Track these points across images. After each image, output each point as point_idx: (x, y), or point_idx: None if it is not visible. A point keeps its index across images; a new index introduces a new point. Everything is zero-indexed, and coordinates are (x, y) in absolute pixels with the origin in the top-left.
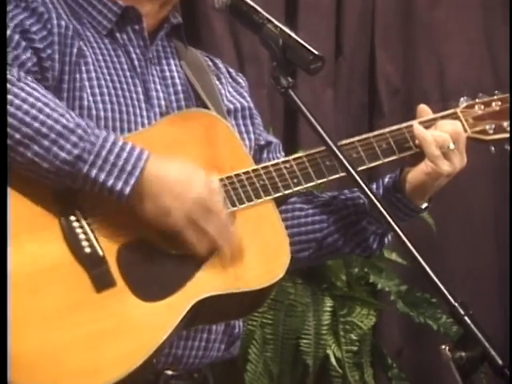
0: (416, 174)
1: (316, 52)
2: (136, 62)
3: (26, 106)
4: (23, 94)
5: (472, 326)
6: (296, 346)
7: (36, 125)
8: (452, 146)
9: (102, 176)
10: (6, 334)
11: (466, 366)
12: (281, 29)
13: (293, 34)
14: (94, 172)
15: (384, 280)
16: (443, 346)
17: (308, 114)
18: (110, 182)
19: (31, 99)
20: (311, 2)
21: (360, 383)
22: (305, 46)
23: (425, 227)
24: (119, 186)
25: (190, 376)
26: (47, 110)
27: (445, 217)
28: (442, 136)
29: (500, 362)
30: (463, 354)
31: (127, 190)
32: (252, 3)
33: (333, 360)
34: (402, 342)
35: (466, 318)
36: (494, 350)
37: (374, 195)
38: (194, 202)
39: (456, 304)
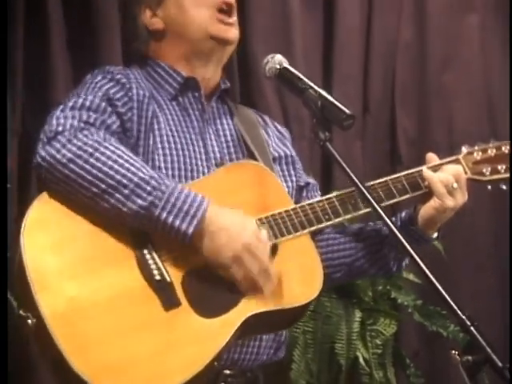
0: (426, 210)
1: (348, 111)
2: (195, 123)
3: (110, 162)
4: (108, 152)
5: (477, 334)
6: (331, 349)
7: (118, 177)
8: (455, 185)
9: (170, 218)
10: (6, 335)
11: (471, 368)
12: (319, 93)
13: (329, 97)
14: (163, 215)
15: (403, 296)
16: (453, 351)
17: (341, 161)
18: (177, 223)
19: (114, 156)
20: (343, 70)
21: (383, 379)
22: (339, 107)
23: (435, 252)
24: (184, 226)
25: (244, 374)
26: (127, 164)
27: (452, 242)
28: (447, 177)
29: (500, 364)
30: (470, 357)
31: (190, 230)
32: (296, 72)
33: (361, 360)
34: (418, 346)
35: (472, 328)
36: (495, 354)
37: (395, 227)
38: (243, 246)
39: (464, 317)
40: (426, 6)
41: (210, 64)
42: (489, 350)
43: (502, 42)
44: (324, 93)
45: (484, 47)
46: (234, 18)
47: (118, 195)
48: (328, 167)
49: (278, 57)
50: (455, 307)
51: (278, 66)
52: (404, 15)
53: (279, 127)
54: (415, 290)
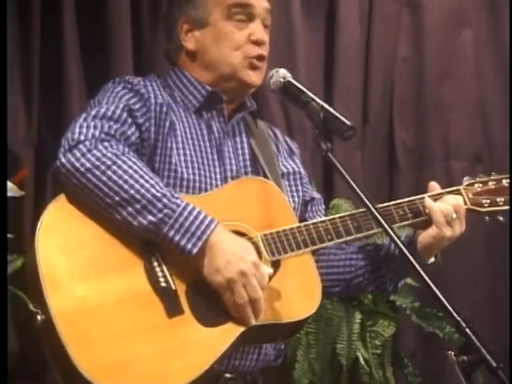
0: (425, 237)
1: (349, 123)
2: (216, 135)
3: (126, 176)
4: (125, 166)
5: (472, 336)
6: (333, 350)
7: (132, 191)
8: (454, 216)
9: (177, 237)
10: (6, 335)
11: (467, 367)
12: (321, 105)
13: (331, 109)
14: (171, 233)
15: (401, 298)
16: (449, 352)
17: (342, 170)
18: (183, 243)
19: (131, 171)
20: (344, 84)
21: (383, 379)
22: (340, 119)
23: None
24: (189, 246)
25: (244, 378)
26: (142, 180)
27: (449, 252)
28: (447, 207)
29: (494, 364)
30: (465, 357)
31: (194, 250)
32: (299, 85)
33: (361, 360)
34: (416, 347)
35: (468, 329)
36: (489, 354)
37: (401, 243)
38: (239, 273)
39: (459, 318)
40: (422, 22)
41: (230, 95)
42: (483, 350)
43: (495, 56)
44: (326, 105)
45: (478, 61)
46: (262, 65)
47: (130, 209)
48: (329, 176)
49: (283, 71)
50: (451, 309)
51: (283, 80)
52: (402, 31)
53: (289, 142)
54: (413, 293)
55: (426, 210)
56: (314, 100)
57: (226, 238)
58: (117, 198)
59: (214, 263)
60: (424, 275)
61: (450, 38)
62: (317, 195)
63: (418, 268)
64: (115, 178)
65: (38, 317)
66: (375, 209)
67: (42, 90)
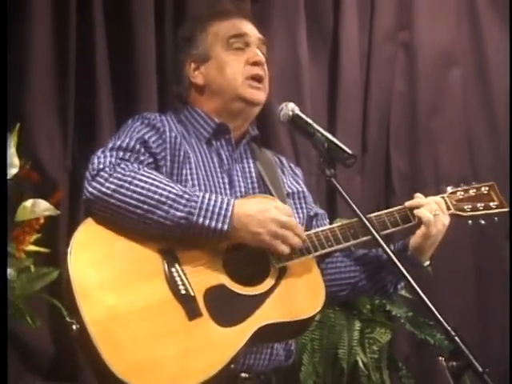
0: (414, 238)
1: (350, 152)
2: (225, 161)
3: (147, 186)
4: (144, 178)
5: (460, 343)
6: (335, 354)
7: (156, 197)
8: (437, 212)
9: (207, 221)
10: (6, 334)
11: (456, 372)
12: (326, 136)
13: (334, 139)
14: (201, 220)
15: (396, 308)
16: (440, 358)
17: (344, 194)
18: (213, 224)
19: (150, 180)
20: (345, 117)
21: (380, 380)
22: (342, 148)
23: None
24: (219, 225)
25: (258, 377)
26: (162, 185)
27: (438, 266)
28: (430, 206)
29: (480, 368)
30: (454, 363)
31: (225, 227)
32: (306, 118)
33: (361, 364)
34: (409, 352)
35: (457, 338)
36: (476, 360)
37: (392, 253)
38: (271, 221)
39: (449, 328)
40: (415, 62)
41: (239, 118)
42: (471, 356)
43: (480, 92)
44: (330, 136)
45: (465, 97)
46: (262, 85)
47: (159, 212)
48: (332, 199)
49: (291, 105)
50: (441, 319)
51: (291, 113)
52: (397, 70)
53: (293, 167)
54: (407, 304)
55: (415, 214)
56: (319, 131)
57: (246, 205)
58: (145, 207)
59: (249, 229)
60: (411, 280)
61: (440, 75)
62: (320, 211)
63: (403, 270)
64: (139, 190)
65: (74, 326)
66: (371, 224)
67: (76, 123)
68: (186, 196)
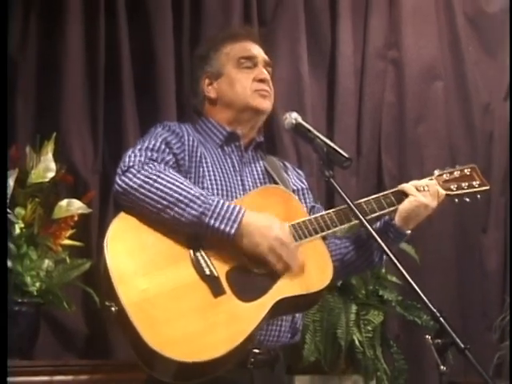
0: (403, 204)
1: (346, 155)
2: (236, 165)
3: (169, 185)
4: (167, 178)
5: (444, 323)
6: (334, 334)
7: (176, 195)
8: (426, 188)
9: (217, 223)
10: (6, 333)
11: (440, 348)
12: (325, 141)
13: (332, 144)
14: (212, 221)
15: (388, 293)
16: (427, 336)
17: (342, 193)
18: (222, 227)
19: (172, 180)
20: (342, 123)
21: (373, 356)
22: (339, 152)
23: (411, 260)
24: (227, 229)
25: (269, 352)
26: (182, 186)
27: (425, 256)
28: (417, 182)
29: (462, 345)
30: (439, 340)
31: (232, 231)
32: (307, 126)
33: (357, 342)
34: (399, 331)
35: (441, 318)
36: (458, 338)
37: (376, 233)
38: (274, 239)
39: (434, 309)
40: (403, 75)
41: (247, 126)
42: (454, 335)
43: (460, 103)
44: (328, 141)
45: (447, 107)
46: (268, 88)
47: (176, 209)
48: (331, 198)
49: (294, 114)
50: (427, 302)
51: (294, 121)
52: (387, 83)
53: (297, 169)
54: (397, 289)
55: (400, 187)
56: (318, 137)
57: (254, 216)
58: (165, 203)
59: (252, 239)
60: (400, 267)
61: (425, 88)
62: (318, 205)
63: (392, 256)
64: (161, 187)
65: (112, 308)
66: (360, 210)
67: (105, 131)
68: (202, 198)
